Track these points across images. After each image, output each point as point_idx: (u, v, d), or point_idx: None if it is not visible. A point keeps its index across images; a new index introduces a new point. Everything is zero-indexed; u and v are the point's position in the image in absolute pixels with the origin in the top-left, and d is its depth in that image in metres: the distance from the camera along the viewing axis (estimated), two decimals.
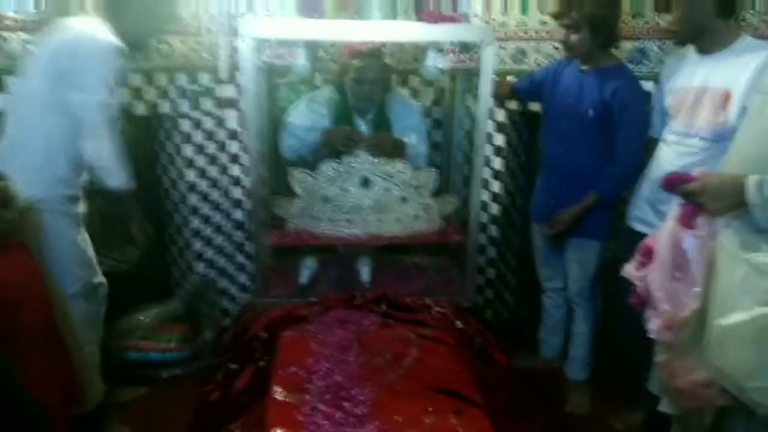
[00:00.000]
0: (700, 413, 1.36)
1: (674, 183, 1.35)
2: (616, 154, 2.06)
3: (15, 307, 1.46)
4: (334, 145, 2.21)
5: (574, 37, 2.02)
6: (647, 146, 2.01)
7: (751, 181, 1.18)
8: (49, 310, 1.60)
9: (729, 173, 1.26)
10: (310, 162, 2.26)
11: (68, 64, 1.64)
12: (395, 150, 2.22)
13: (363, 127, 2.33)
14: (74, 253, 1.80)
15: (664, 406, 1.51)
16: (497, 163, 2.62)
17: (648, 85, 2.11)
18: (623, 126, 2.04)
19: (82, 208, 1.85)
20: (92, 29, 1.67)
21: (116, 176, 1.73)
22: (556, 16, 2.07)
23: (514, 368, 2.10)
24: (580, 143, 2.13)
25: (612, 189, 2.10)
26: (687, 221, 1.31)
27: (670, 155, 1.86)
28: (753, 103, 1.33)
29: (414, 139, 2.32)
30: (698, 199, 1.29)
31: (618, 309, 1.95)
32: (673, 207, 1.42)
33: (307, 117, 2.32)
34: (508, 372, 2.03)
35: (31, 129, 1.69)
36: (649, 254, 1.44)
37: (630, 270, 1.50)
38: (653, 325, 1.40)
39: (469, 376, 1.74)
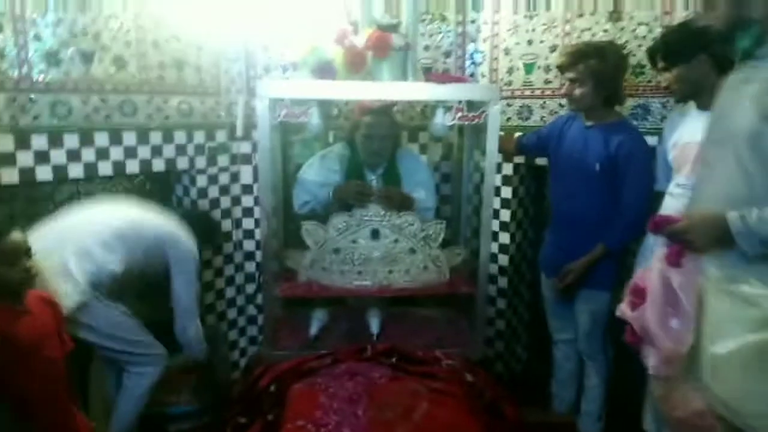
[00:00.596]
0: None
1: (660, 224, 1.42)
2: (623, 206, 2.09)
3: (34, 366, 1.50)
4: (346, 199, 2.27)
5: (578, 91, 2.09)
6: (653, 199, 2.04)
7: (734, 215, 1.25)
8: (61, 367, 1.63)
9: (710, 211, 1.32)
10: (321, 216, 2.32)
11: (174, 253, 2.08)
12: (404, 203, 2.28)
13: (374, 181, 2.40)
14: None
15: None
16: (505, 215, 2.66)
17: (651, 140, 2.17)
18: (629, 179, 2.08)
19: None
20: (183, 235, 2.14)
21: (195, 349, 2.21)
22: (562, 70, 2.15)
23: (526, 422, 2.07)
24: (586, 196, 2.17)
25: (619, 241, 2.13)
26: (675, 260, 1.38)
27: (675, 206, 1.89)
28: (710, 152, 1.41)
29: (423, 194, 2.38)
30: (684, 237, 1.34)
31: (630, 360, 1.94)
32: (659, 248, 1.48)
33: (319, 172, 2.39)
34: (519, 426, 2.00)
35: (82, 250, 1.90)
36: (640, 294, 1.50)
37: (624, 310, 1.55)
38: (652, 361, 1.45)
39: (479, 430, 1.72)
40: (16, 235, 1.51)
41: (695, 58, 1.81)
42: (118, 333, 1.95)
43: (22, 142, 1.98)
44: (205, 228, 2.38)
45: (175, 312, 2.12)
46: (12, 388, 1.49)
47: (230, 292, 2.74)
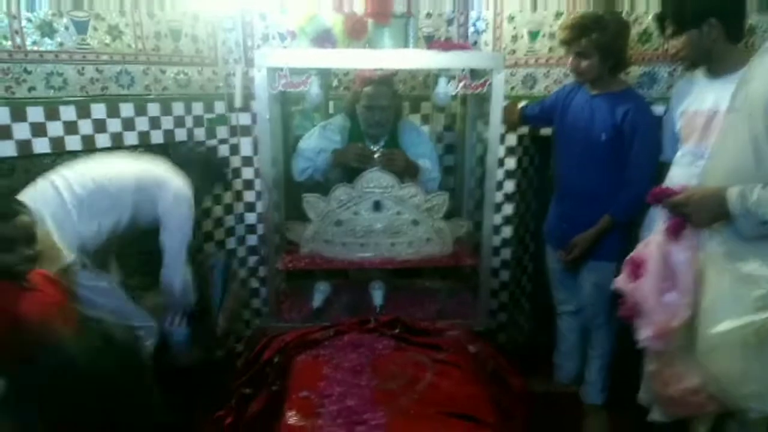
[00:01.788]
0: (692, 422, 1.37)
1: (659, 196, 1.39)
2: (629, 177, 2.07)
3: (39, 343, 1.49)
4: (346, 162, 2.24)
5: (584, 64, 2.05)
6: (659, 169, 2.02)
7: (733, 192, 1.22)
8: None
9: (711, 186, 1.29)
10: (321, 184, 2.30)
11: (163, 196, 2.00)
12: (408, 169, 2.24)
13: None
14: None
15: (655, 415, 1.51)
16: (509, 186, 2.63)
17: (658, 109, 2.13)
18: (635, 149, 2.05)
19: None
20: (176, 182, 2.04)
21: (179, 302, 2.12)
22: (567, 44, 2.10)
23: (529, 392, 2.07)
24: (592, 167, 2.14)
25: (626, 212, 2.11)
26: (674, 234, 1.36)
27: (682, 176, 1.86)
28: (727, 120, 1.36)
29: (427, 164, 2.35)
30: (683, 211, 1.32)
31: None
32: (659, 221, 1.46)
33: (319, 141, 2.36)
34: (523, 396, 2.00)
35: (86, 207, 1.88)
36: (638, 267, 1.48)
37: (621, 283, 1.53)
38: (644, 334, 1.43)
39: (483, 400, 1.72)
40: (23, 219, 1.49)
41: (705, 23, 1.75)
42: (104, 303, 1.89)
43: (18, 115, 1.94)
44: (209, 167, 2.32)
45: (163, 261, 2.05)
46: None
47: (233, 264, 2.73)
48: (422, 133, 2.54)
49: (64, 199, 1.85)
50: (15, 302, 1.46)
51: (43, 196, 1.83)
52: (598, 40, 2.00)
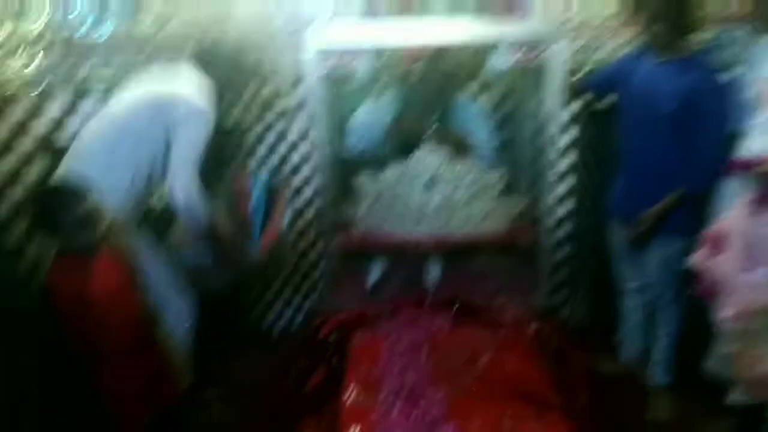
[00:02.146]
0: None
1: (747, 165, 1.27)
2: (700, 148, 1.94)
3: (106, 318, 1.54)
4: (400, 137, 2.20)
5: (653, 28, 1.94)
6: (732, 138, 1.88)
7: None
8: (138, 316, 1.68)
9: None
10: (373, 161, 2.26)
11: (171, 125, 1.83)
12: (461, 146, 2.19)
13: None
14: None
15: (736, 397, 1.42)
16: (567, 160, 2.53)
17: (730, 75, 1.99)
18: (706, 118, 1.93)
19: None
20: (194, 95, 1.87)
21: (186, 216, 1.89)
22: (634, 8, 1.98)
23: (592, 372, 2.02)
24: (660, 138, 2.02)
25: (697, 184, 1.99)
26: (762, 205, 1.24)
27: (758, 145, 1.74)
28: None
29: (480, 141, 2.28)
30: None
31: (704, 310, 1.84)
32: (742, 193, 1.35)
33: (371, 117, 2.34)
34: (586, 376, 1.95)
35: (117, 158, 1.80)
36: (718, 242, 1.38)
37: (699, 259, 1.43)
38: (726, 313, 1.34)
39: (547, 379, 1.68)
40: (88, 201, 1.53)
41: None
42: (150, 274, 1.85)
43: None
44: (237, 62, 2.10)
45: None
46: (89, 341, 1.54)
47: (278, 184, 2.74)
48: (475, 108, 2.47)
49: (97, 159, 1.80)
50: (86, 279, 1.51)
51: (91, 167, 1.79)
52: (667, 3, 1.89)
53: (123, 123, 1.84)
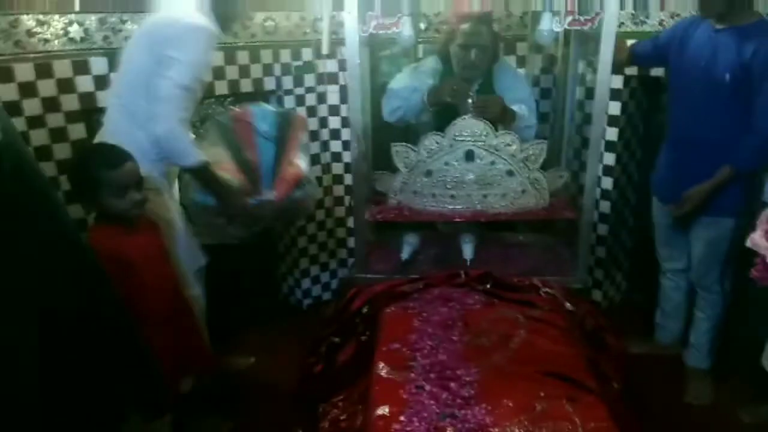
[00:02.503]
0: None
1: None
2: (755, 122, 1.83)
3: (145, 284, 1.56)
4: (441, 99, 2.12)
5: None
6: None
7: None
8: (176, 286, 1.70)
9: None
10: (411, 130, 2.20)
11: (162, 49, 1.63)
12: (503, 115, 2.10)
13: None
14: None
15: None
16: (612, 134, 2.43)
17: None
18: (764, 92, 1.80)
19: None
20: (189, 14, 1.67)
21: (188, 156, 1.71)
22: None
23: (629, 354, 1.96)
24: (712, 112, 1.91)
25: (750, 162, 1.88)
26: None
27: None
28: None
29: (524, 110, 2.19)
30: None
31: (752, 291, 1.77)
32: None
33: (411, 80, 2.25)
34: (622, 357, 1.90)
35: (132, 114, 1.71)
36: None
37: (757, 240, 1.35)
38: None
39: (581, 360, 1.64)
40: (129, 166, 1.53)
41: None
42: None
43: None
44: None
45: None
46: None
47: (320, 215, 2.74)
48: (519, 76, 2.38)
49: (116, 116, 1.73)
50: (125, 246, 1.52)
51: (115, 128, 1.73)
52: None
53: (126, 70, 1.73)
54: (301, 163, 1.99)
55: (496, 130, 1.99)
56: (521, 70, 2.50)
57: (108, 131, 1.75)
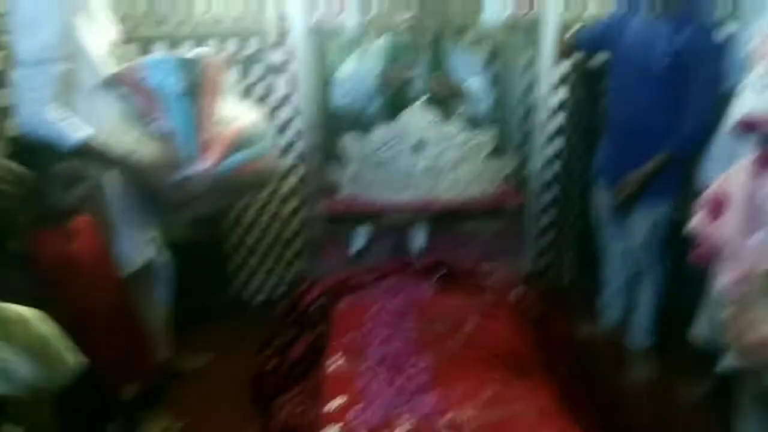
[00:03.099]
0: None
1: (752, 125, 1.23)
2: (691, 108, 1.91)
3: (84, 287, 1.50)
4: (392, 82, 2.12)
5: None
6: (726, 98, 1.83)
7: None
8: (115, 289, 1.64)
9: None
10: (361, 120, 2.19)
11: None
12: (456, 93, 2.13)
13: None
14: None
15: (728, 363, 1.43)
16: (557, 120, 2.48)
17: (723, 31, 1.94)
18: (698, 77, 1.89)
19: None
20: None
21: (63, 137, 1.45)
22: None
23: (575, 336, 2.03)
24: (649, 98, 1.98)
25: (686, 147, 1.96)
26: (765, 166, 1.20)
27: (754, 102, 1.69)
28: None
29: (476, 87, 2.20)
30: None
31: (687, 272, 1.85)
32: (744, 153, 1.31)
33: (359, 65, 2.22)
34: (569, 339, 1.96)
35: None
36: (719, 205, 1.34)
37: (697, 224, 1.40)
38: (726, 278, 1.32)
39: (529, 343, 1.69)
40: (72, 162, 1.46)
41: None
42: None
43: None
44: None
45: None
46: (70, 309, 1.50)
47: (272, 207, 2.71)
48: (470, 53, 2.38)
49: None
50: (59, 245, 1.46)
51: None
52: None
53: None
54: (237, 114, 1.64)
55: (449, 108, 1.99)
56: (473, 53, 2.50)
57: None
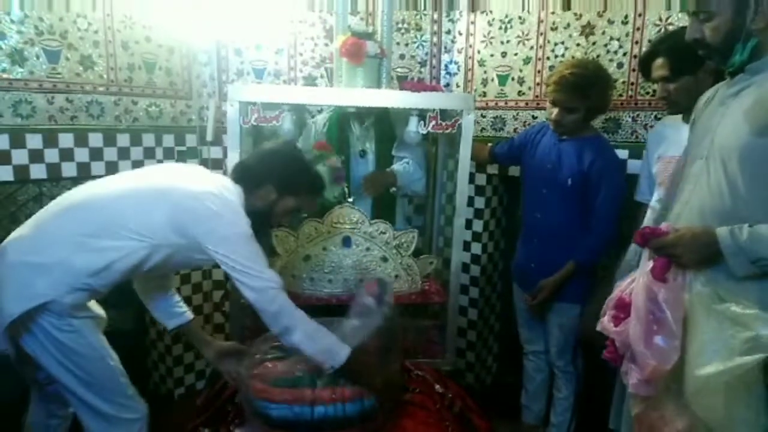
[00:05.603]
0: None
1: (647, 237, 1.36)
2: (594, 222, 2.10)
3: None
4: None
5: (568, 118, 2.07)
6: (636, 211, 2.02)
7: (723, 231, 1.22)
8: None
9: (699, 226, 1.30)
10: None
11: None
12: (389, 183, 2.29)
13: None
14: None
15: None
16: (478, 225, 2.66)
17: (622, 154, 2.19)
18: (601, 195, 2.08)
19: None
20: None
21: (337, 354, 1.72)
22: (556, 103, 2.07)
23: None
24: (558, 210, 2.16)
25: (589, 258, 2.13)
26: (660, 274, 1.32)
27: (652, 221, 1.87)
28: (696, 167, 1.39)
29: (410, 167, 2.35)
30: (671, 251, 1.31)
31: (600, 373, 1.94)
32: (644, 261, 1.44)
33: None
34: None
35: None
36: (623, 308, 1.44)
37: (606, 325, 1.49)
38: (633, 379, 1.39)
39: None
40: None
41: (702, 69, 1.73)
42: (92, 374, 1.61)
43: None
44: None
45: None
46: None
47: (197, 299, 2.68)
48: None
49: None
50: None
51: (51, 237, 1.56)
52: (590, 99, 2.02)
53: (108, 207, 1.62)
54: None
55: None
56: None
57: (40, 233, 1.56)
